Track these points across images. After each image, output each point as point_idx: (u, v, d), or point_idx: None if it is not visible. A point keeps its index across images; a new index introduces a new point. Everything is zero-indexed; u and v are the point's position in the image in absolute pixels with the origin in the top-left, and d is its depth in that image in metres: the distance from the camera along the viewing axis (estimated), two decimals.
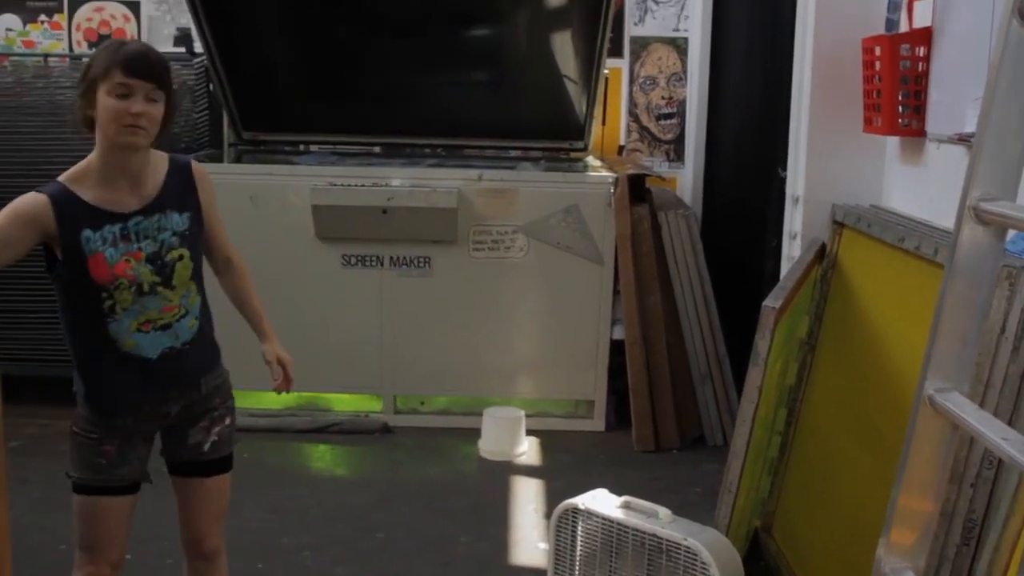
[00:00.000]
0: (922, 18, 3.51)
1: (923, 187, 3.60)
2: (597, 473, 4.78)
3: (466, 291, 5.36)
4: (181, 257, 2.64)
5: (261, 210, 5.27)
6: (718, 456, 4.75)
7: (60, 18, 6.48)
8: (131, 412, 2.66)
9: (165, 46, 6.35)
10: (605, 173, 5.47)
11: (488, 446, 5.11)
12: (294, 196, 5.27)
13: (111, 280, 2.54)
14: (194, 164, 2.78)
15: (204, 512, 2.83)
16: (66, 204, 2.51)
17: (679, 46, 6.45)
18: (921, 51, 3.46)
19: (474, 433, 5.18)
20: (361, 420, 5.42)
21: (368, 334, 5.39)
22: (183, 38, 6.22)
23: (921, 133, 3.51)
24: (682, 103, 6.50)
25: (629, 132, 6.56)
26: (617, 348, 5.34)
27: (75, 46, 6.48)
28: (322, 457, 5.11)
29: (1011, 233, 2.38)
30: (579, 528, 3.17)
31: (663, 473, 4.89)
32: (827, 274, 3.89)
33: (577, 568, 3.18)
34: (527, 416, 5.21)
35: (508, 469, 4.93)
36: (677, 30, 6.44)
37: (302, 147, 6.29)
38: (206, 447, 2.77)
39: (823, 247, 3.94)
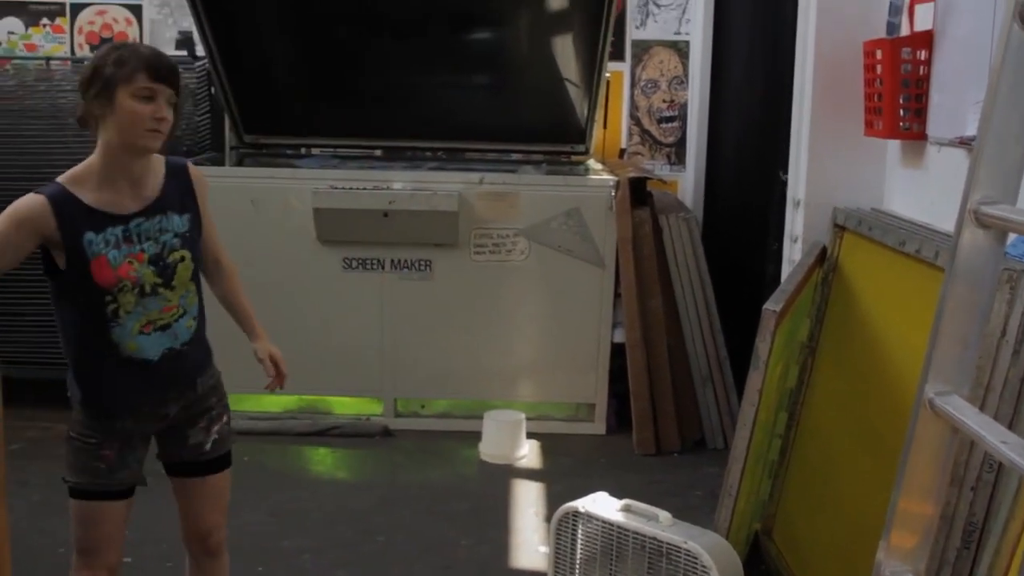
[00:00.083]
0: (923, 21, 3.51)
1: (924, 190, 3.60)
2: (598, 476, 4.77)
3: (467, 294, 5.36)
4: (183, 259, 2.65)
5: (262, 213, 5.27)
6: (719, 459, 4.75)
7: (62, 21, 6.49)
8: (131, 414, 2.66)
9: (167, 49, 6.35)
10: (606, 176, 5.48)
11: (489, 449, 5.11)
12: (295, 199, 5.27)
13: (115, 283, 2.53)
14: (190, 166, 2.79)
15: (210, 508, 2.85)
16: (65, 205, 2.51)
17: (680, 49, 6.45)
18: (922, 54, 3.46)
19: (475, 436, 5.18)
20: (362, 423, 5.42)
21: (369, 337, 5.39)
22: (185, 41, 6.23)
23: (922, 136, 3.51)
24: (683, 106, 6.50)
25: (630, 135, 6.56)
26: (618, 351, 5.34)
27: (77, 49, 6.48)
28: (323, 460, 5.11)
29: (1012, 236, 2.38)
30: (579, 531, 3.17)
31: (664, 476, 4.89)
32: (828, 277, 3.88)
33: (577, 571, 3.18)
34: (528, 419, 5.21)
35: (509, 472, 4.93)
36: (679, 33, 6.45)
37: (303, 150, 6.30)
38: (208, 446, 2.78)
39: (824, 250, 3.94)
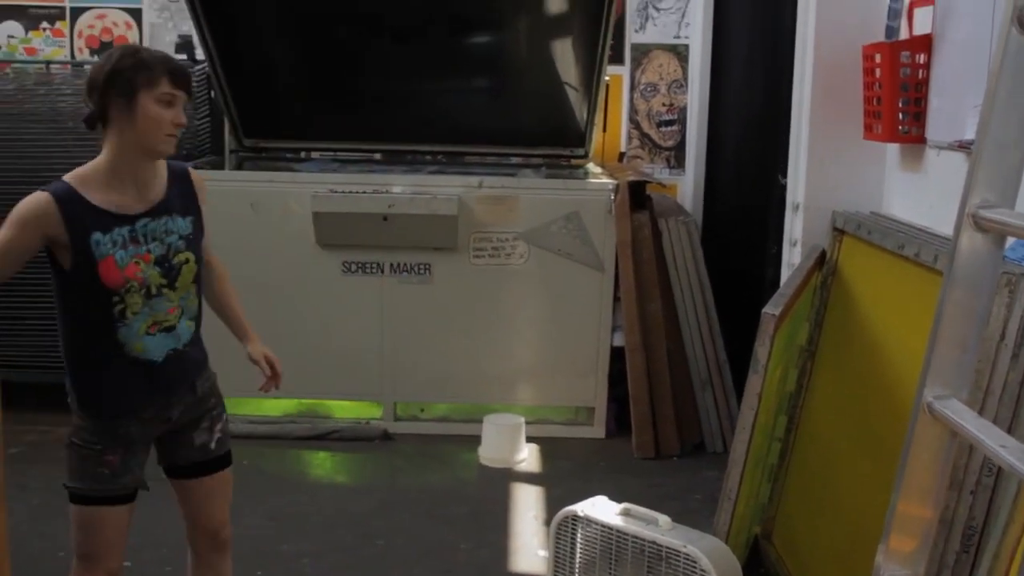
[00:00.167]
0: (922, 25, 3.52)
1: (923, 194, 3.60)
2: (597, 480, 4.77)
3: (466, 298, 5.36)
4: (187, 260, 2.67)
5: (262, 217, 5.27)
6: (718, 463, 4.75)
7: (62, 25, 6.49)
8: (135, 418, 2.66)
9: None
10: (606, 180, 5.48)
11: (488, 453, 5.11)
12: (295, 203, 5.27)
13: (122, 284, 2.55)
14: (192, 170, 2.81)
15: (219, 505, 2.88)
16: (72, 204, 2.52)
17: (680, 53, 6.45)
18: (921, 58, 3.46)
19: (474, 440, 5.18)
20: (361, 427, 5.41)
21: (368, 341, 5.39)
22: (185, 45, 6.23)
23: (921, 140, 3.52)
24: (683, 110, 6.51)
25: (630, 139, 6.56)
26: (617, 355, 5.34)
27: (77, 53, 6.48)
28: (322, 464, 5.11)
29: (1010, 240, 2.38)
30: (579, 535, 3.17)
31: (663, 480, 4.89)
32: (827, 281, 3.89)
33: (577, 575, 3.18)
34: (527, 423, 5.21)
35: (508, 476, 4.93)
36: (678, 37, 6.45)
37: (303, 154, 6.30)
38: (213, 445, 2.82)
39: (823, 254, 3.94)
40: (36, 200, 2.52)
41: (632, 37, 6.46)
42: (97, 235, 2.52)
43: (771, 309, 3.36)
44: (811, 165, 4.08)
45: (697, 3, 6.30)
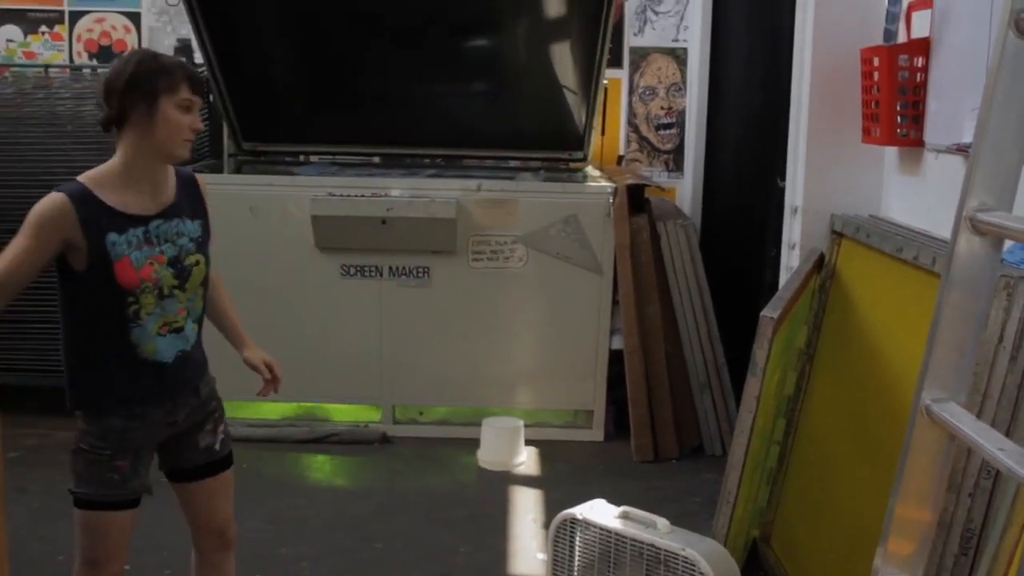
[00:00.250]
0: (920, 29, 3.52)
1: (921, 197, 3.60)
2: (596, 483, 4.77)
3: (465, 301, 5.36)
4: (197, 262, 2.70)
5: (261, 220, 5.27)
6: (717, 466, 4.74)
7: (61, 29, 6.50)
8: (143, 421, 2.67)
9: None
10: (604, 183, 5.48)
11: (487, 456, 5.11)
12: (294, 206, 5.27)
13: (137, 284, 2.57)
14: (198, 176, 2.85)
15: (225, 503, 2.91)
16: (87, 204, 2.54)
17: (678, 56, 6.46)
18: (919, 62, 3.47)
19: (473, 443, 5.18)
20: (360, 430, 5.41)
21: (367, 344, 5.39)
22: (183, 49, 6.24)
23: (919, 143, 3.52)
24: (681, 113, 6.51)
25: (628, 142, 6.57)
26: (616, 358, 5.34)
27: (76, 57, 6.49)
28: (321, 467, 5.11)
29: (1008, 243, 2.38)
30: (577, 538, 3.17)
31: (662, 483, 4.89)
32: (825, 284, 3.89)
33: None
34: (526, 426, 5.21)
35: (507, 479, 4.93)
36: (676, 40, 6.46)
37: (302, 157, 6.31)
38: (217, 446, 2.84)
39: (822, 257, 3.95)
40: (52, 202, 2.54)
41: (631, 40, 6.47)
42: (113, 236, 2.55)
43: (769, 312, 3.37)
44: (809, 168, 4.08)
45: (695, 6, 6.31)
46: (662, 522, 3.05)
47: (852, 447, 3.47)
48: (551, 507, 4.39)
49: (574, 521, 3.18)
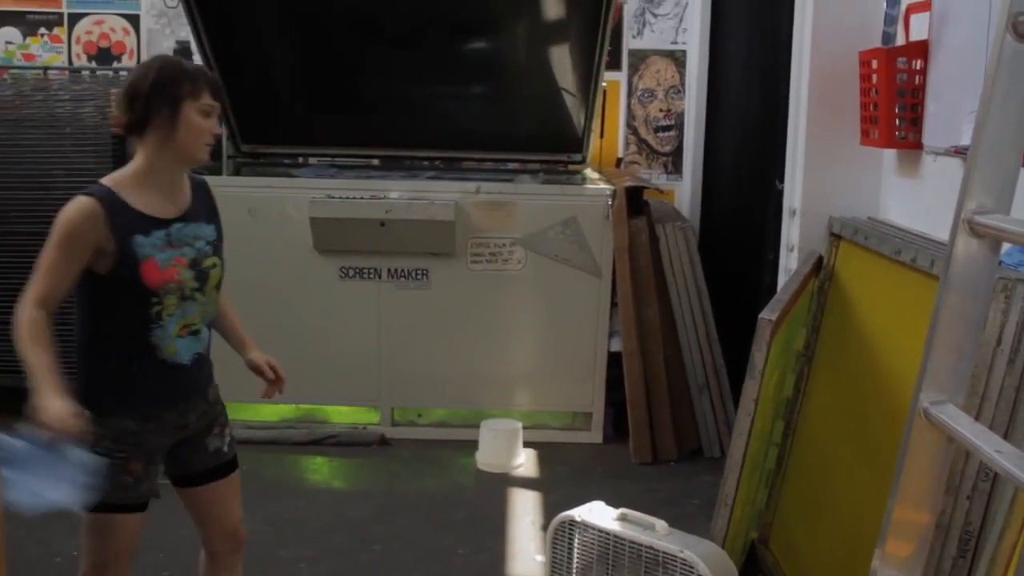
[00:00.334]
0: (919, 31, 3.52)
1: (920, 199, 3.61)
2: (594, 485, 4.77)
3: (464, 303, 5.36)
4: (215, 265, 2.74)
5: (260, 222, 5.27)
6: (715, 468, 4.74)
7: (60, 31, 6.50)
8: (158, 423, 2.68)
9: None
10: (603, 186, 5.48)
11: (485, 458, 5.11)
12: (292, 208, 5.27)
13: (162, 285, 2.60)
14: (208, 182, 2.89)
15: (235, 504, 2.93)
16: (114, 207, 2.57)
17: (677, 59, 6.47)
18: (918, 64, 3.47)
19: (471, 445, 5.18)
20: (358, 432, 5.41)
21: (366, 346, 5.39)
22: (182, 51, 6.24)
23: (918, 146, 3.52)
24: (680, 115, 6.52)
25: (627, 144, 6.57)
26: (615, 360, 5.34)
27: (75, 59, 6.49)
28: (319, 469, 5.11)
29: (1006, 245, 2.38)
30: (576, 540, 3.17)
31: (660, 485, 4.89)
32: (824, 286, 3.89)
33: None
34: (524, 428, 5.21)
35: (505, 481, 4.93)
36: (675, 43, 6.46)
37: (301, 159, 6.31)
38: (225, 448, 2.87)
39: (820, 259, 3.95)
40: (82, 207, 2.56)
41: (629, 43, 6.48)
42: (139, 237, 2.58)
43: (768, 314, 3.37)
44: (808, 170, 4.08)
45: (694, 9, 6.32)
46: (660, 524, 3.06)
47: (850, 449, 3.47)
48: (549, 509, 4.39)
49: (572, 523, 3.19)
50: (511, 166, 6.24)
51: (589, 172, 6.02)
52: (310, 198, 5.26)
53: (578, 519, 3.17)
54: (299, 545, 4.16)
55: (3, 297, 5.35)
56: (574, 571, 3.19)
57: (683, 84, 6.48)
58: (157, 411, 2.67)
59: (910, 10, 3.59)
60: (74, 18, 6.49)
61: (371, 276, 5.34)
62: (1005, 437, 2.40)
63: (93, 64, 6.44)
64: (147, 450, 2.67)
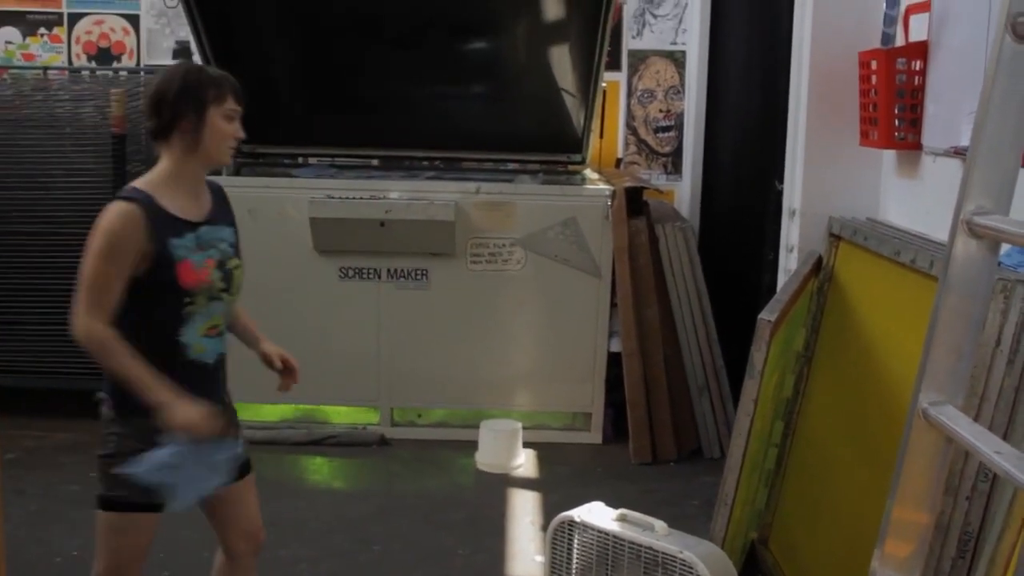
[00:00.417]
0: (918, 32, 3.53)
1: (919, 200, 3.61)
2: (594, 485, 4.77)
3: (464, 304, 5.36)
4: (238, 266, 2.78)
5: (259, 223, 5.26)
6: (715, 468, 4.74)
7: (60, 31, 6.50)
8: None
9: (164, 59, 6.37)
10: (603, 186, 5.48)
11: (485, 458, 5.11)
12: (292, 209, 5.27)
13: (196, 286, 2.64)
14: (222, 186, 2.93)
15: (256, 505, 3.00)
16: (152, 210, 2.61)
17: (677, 59, 6.47)
18: (917, 65, 3.47)
19: (471, 445, 5.18)
20: (358, 432, 5.41)
21: (365, 346, 5.39)
22: (182, 51, 6.24)
23: (917, 146, 3.52)
24: (680, 116, 6.52)
25: (627, 145, 6.57)
26: (614, 360, 5.34)
27: (74, 59, 6.49)
28: (319, 469, 5.11)
29: (1005, 246, 2.38)
30: (575, 541, 3.17)
31: (660, 485, 4.89)
32: (823, 287, 3.89)
33: None
34: (524, 428, 5.21)
35: (505, 481, 4.93)
36: (675, 43, 6.46)
37: (300, 160, 6.30)
38: (240, 450, 2.88)
39: (820, 260, 3.95)
40: (123, 213, 2.58)
41: (629, 43, 6.48)
42: (174, 240, 2.62)
43: (767, 315, 3.37)
44: (808, 171, 4.09)
45: (694, 9, 6.32)
46: (660, 524, 3.05)
47: (850, 449, 3.47)
48: (549, 509, 4.39)
49: (572, 523, 3.19)
50: (511, 166, 6.23)
51: (589, 172, 6.02)
52: (310, 198, 5.26)
53: (578, 520, 3.17)
54: (299, 545, 4.16)
55: (3, 297, 5.37)
56: (574, 571, 3.19)
57: (683, 85, 6.48)
58: None
59: (909, 11, 3.59)
60: (74, 18, 6.50)
61: (371, 276, 5.34)
62: (1004, 438, 2.40)
63: (93, 64, 6.44)
64: None
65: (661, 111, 6.53)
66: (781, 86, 4.35)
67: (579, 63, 5.62)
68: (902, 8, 3.64)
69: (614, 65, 6.34)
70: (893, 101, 3.51)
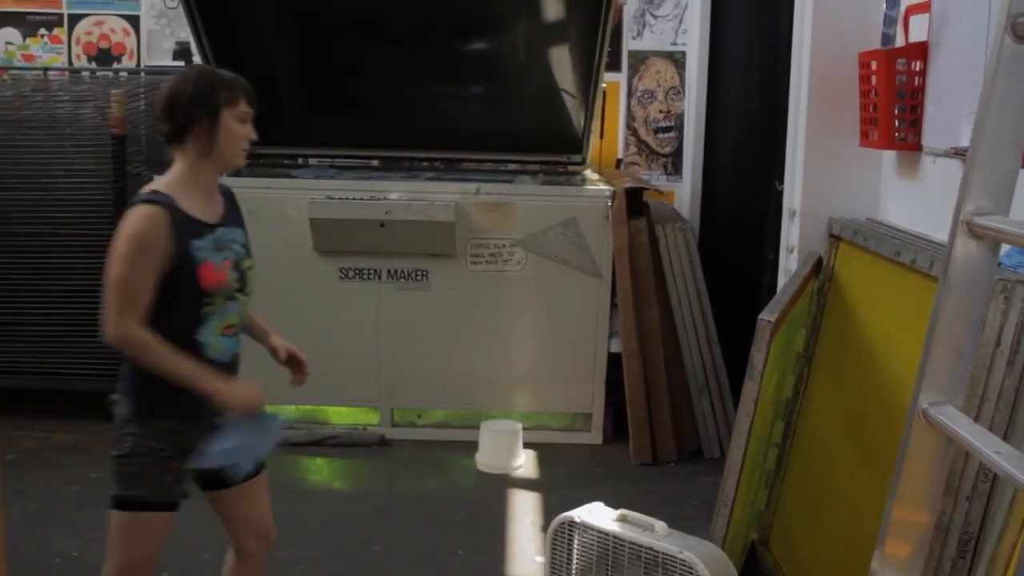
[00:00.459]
0: (918, 33, 3.53)
1: (919, 201, 3.61)
2: (594, 486, 4.77)
3: (464, 304, 5.36)
4: (251, 267, 2.83)
5: (259, 223, 5.20)
6: (715, 469, 4.74)
7: (60, 32, 6.50)
8: (195, 424, 2.71)
9: (164, 60, 6.37)
10: (603, 187, 5.48)
11: (485, 459, 5.11)
12: (292, 209, 5.27)
13: (216, 286, 2.67)
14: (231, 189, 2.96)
15: (267, 503, 3.00)
16: (175, 213, 2.63)
17: (677, 60, 6.47)
18: (917, 65, 3.47)
19: (471, 446, 5.18)
20: (358, 433, 5.41)
21: (366, 347, 5.39)
22: (182, 52, 6.24)
23: (917, 147, 3.52)
24: (680, 117, 6.52)
25: (627, 146, 6.57)
26: (614, 361, 5.34)
27: (74, 60, 6.49)
28: (319, 470, 5.11)
29: (1005, 247, 2.38)
30: (575, 541, 3.17)
31: (660, 486, 4.89)
32: (824, 287, 3.89)
33: None
34: (524, 429, 5.21)
35: (505, 482, 4.93)
36: (675, 44, 6.47)
37: (300, 160, 6.30)
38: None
39: (820, 260, 3.95)
40: (149, 216, 2.60)
41: (629, 44, 6.49)
42: (196, 242, 2.65)
43: (767, 315, 3.37)
44: (808, 172, 4.09)
45: (694, 10, 6.32)
46: (660, 525, 3.05)
47: (850, 450, 3.47)
48: (549, 510, 4.39)
49: (572, 524, 3.19)
50: (511, 167, 6.23)
51: (589, 173, 6.02)
52: (310, 199, 5.26)
53: (578, 520, 3.17)
54: (299, 546, 4.16)
55: (3, 298, 5.37)
56: (574, 572, 3.19)
57: (683, 85, 6.49)
58: (199, 410, 2.70)
59: (909, 11, 3.59)
60: (74, 19, 6.50)
61: (371, 277, 5.34)
62: (1004, 438, 2.40)
63: (93, 65, 6.44)
64: (186, 450, 2.70)
65: (661, 112, 6.53)
66: (781, 87, 4.35)
67: (579, 63, 5.63)
68: (902, 9, 3.64)
69: (614, 66, 6.35)
70: (893, 102, 3.51)
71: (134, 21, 6.48)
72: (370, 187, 5.38)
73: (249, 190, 5.33)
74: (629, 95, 6.53)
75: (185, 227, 2.63)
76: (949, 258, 1.64)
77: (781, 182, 4.34)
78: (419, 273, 5.32)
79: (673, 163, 6.56)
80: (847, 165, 3.98)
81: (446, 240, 5.24)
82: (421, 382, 5.42)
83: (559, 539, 3.21)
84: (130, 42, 6.48)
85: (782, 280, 4.24)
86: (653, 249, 5.31)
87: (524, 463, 5.13)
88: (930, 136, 3.45)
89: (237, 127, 2.72)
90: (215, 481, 2.85)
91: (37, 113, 5.59)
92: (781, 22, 4.46)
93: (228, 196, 2.87)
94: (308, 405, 5.47)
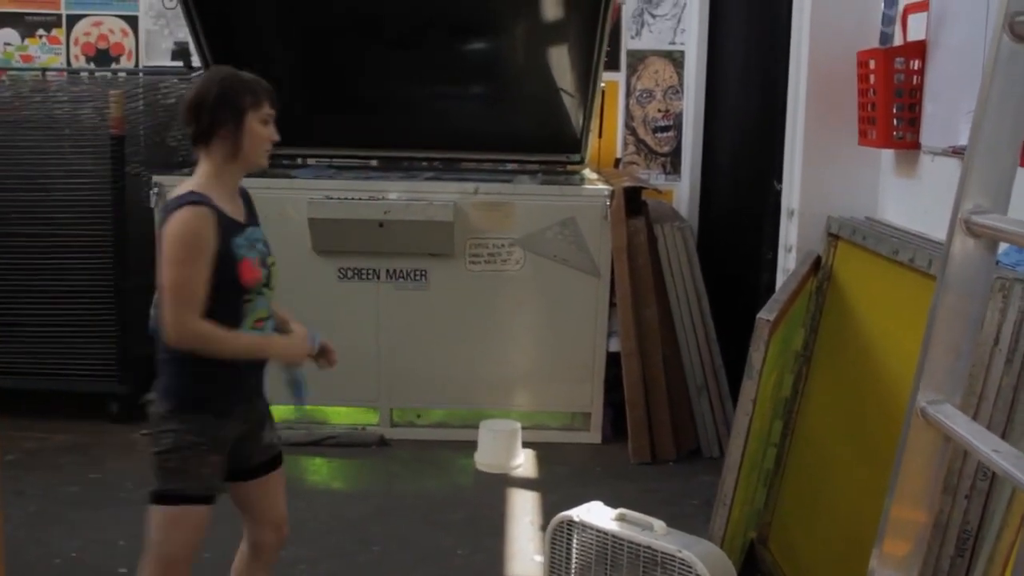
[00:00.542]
0: (916, 32, 3.53)
1: (918, 199, 3.61)
2: (593, 485, 4.77)
3: (463, 304, 5.36)
4: (274, 263, 2.90)
5: None
6: (714, 468, 4.74)
7: (58, 32, 6.50)
8: (229, 418, 2.77)
9: (163, 60, 6.37)
10: (601, 186, 5.48)
11: (484, 459, 5.11)
12: (291, 209, 5.27)
13: (253, 283, 2.75)
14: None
15: (283, 497, 3.02)
16: (215, 211, 2.70)
17: (675, 59, 6.47)
18: (915, 64, 3.47)
19: (470, 446, 5.18)
20: (357, 433, 5.41)
21: (365, 347, 5.39)
22: (181, 52, 6.23)
23: (916, 146, 3.53)
24: (678, 116, 6.52)
25: (626, 145, 6.57)
26: (613, 360, 5.34)
27: (73, 60, 6.49)
28: (318, 470, 5.11)
29: (1004, 245, 2.39)
30: (574, 540, 3.17)
31: (659, 485, 4.89)
32: (822, 286, 3.90)
33: None
34: (523, 428, 5.21)
35: (504, 481, 4.93)
36: (673, 43, 6.47)
37: (299, 160, 6.30)
38: (275, 440, 2.98)
39: (818, 259, 3.95)
40: (198, 216, 2.67)
41: (628, 43, 6.49)
42: (236, 239, 2.74)
43: (766, 314, 3.37)
44: (806, 171, 4.09)
45: (692, 9, 6.33)
46: (659, 524, 3.06)
47: (849, 449, 3.47)
48: (548, 509, 4.39)
49: (571, 523, 3.19)
50: (509, 167, 6.23)
51: (587, 172, 6.02)
52: (308, 199, 5.26)
53: (577, 519, 3.17)
54: (298, 546, 4.15)
55: (3, 298, 5.37)
56: (573, 571, 3.19)
57: (681, 84, 6.49)
58: (233, 404, 2.78)
59: (908, 10, 3.60)
60: (72, 19, 6.50)
61: (370, 277, 5.34)
62: (1003, 436, 2.40)
63: (92, 65, 6.44)
64: (223, 443, 2.76)
65: (660, 111, 6.53)
66: (780, 86, 4.35)
67: (578, 63, 5.63)
68: (900, 8, 3.64)
69: (613, 65, 6.34)
70: (891, 101, 3.51)
71: (132, 22, 6.48)
72: (369, 187, 5.38)
73: (248, 190, 5.36)
74: (628, 94, 6.53)
75: (226, 225, 2.71)
76: (947, 256, 1.64)
77: (780, 181, 4.34)
78: (418, 273, 5.32)
79: (672, 162, 6.56)
80: (845, 164, 3.98)
81: (445, 240, 5.24)
82: (420, 382, 5.42)
83: (558, 538, 3.21)
84: (128, 42, 6.48)
85: (780, 279, 4.25)
86: (652, 248, 5.31)
87: (523, 463, 5.13)
88: (928, 135, 3.45)
89: (261, 129, 2.79)
90: (242, 471, 2.89)
91: (35, 114, 5.58)
92: (780, 21, 4.46)
93: (245, 196, 2.94)
94: (307, 405, 5.47)
